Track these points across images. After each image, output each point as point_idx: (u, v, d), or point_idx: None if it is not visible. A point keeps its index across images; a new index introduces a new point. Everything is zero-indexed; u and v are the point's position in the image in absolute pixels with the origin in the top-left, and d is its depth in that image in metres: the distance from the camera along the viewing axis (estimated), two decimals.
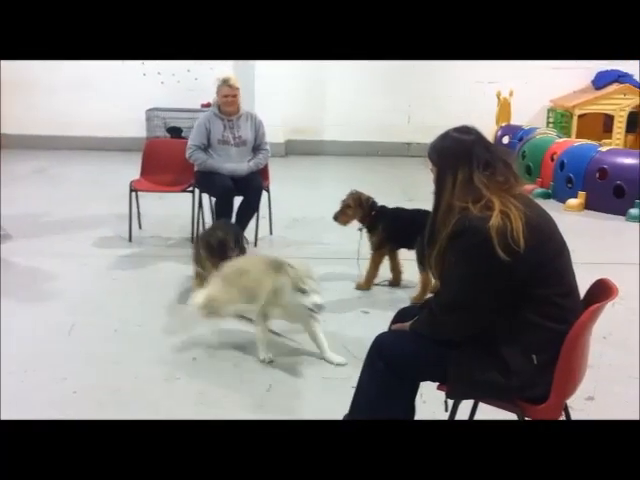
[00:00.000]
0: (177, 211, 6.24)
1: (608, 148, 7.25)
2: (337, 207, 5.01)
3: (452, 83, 10.18)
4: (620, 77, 9.38)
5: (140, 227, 5.97)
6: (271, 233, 5.93)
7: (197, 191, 5.62)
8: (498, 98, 9.48)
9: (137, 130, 10.10)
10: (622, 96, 9.11)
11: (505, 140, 9.24)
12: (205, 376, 3.43)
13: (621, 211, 6.66)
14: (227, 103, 5.35)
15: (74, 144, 10.02)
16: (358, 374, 2.50)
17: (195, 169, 5.54)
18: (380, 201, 5.07)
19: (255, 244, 5.61)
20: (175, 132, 9.90)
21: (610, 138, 9.15)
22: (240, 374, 3.46)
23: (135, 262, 5.21)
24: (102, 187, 7.66)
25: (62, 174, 8.50)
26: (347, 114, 10.43)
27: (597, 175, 6.90)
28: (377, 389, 2.38)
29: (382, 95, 10.33)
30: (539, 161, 7.76)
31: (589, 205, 6.95)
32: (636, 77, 9.59)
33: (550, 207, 6.82)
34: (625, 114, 9.13)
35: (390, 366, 2.34)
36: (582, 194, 7.00)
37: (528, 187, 7.69)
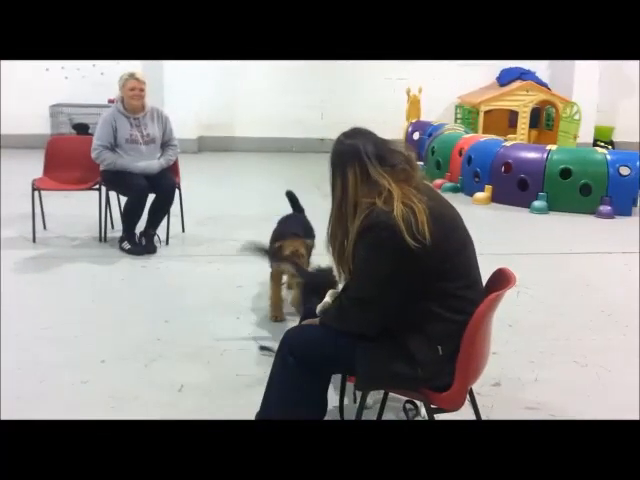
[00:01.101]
0: (82, 210, 6.06)
1: (512, 143, 7.51)
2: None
3: (363, 79, 10.32)
4: (522, 74, 9.76)
5: (45, 227, 5.76)
6: (183, 231, 5.84)
7: (104, 189, 5.47)
8: (408, 95, 9.67)
9: (41, 127, 9.75)
10: (525, 92, 9.47)
11: (415, 136, 9.45)
12: (115, 378, 3.33)
13: (525, 203, 6.91)
14: (134, 97, 5.21)
15: None
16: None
17: (101, 168, 5.37)
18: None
19: (167, 242, 5.50)
20: (81, 129, 9.61)
21: (515, 133, 9.51)
22: (150, 374, 3.38)
23: (41, 264, 5.01)
24: (3, 186, 7.33)
25: None
26: (260, 110, 10.40)
27: (502, 169, 7.13)
28: (289, 385, 2.38)
29: (295, 91, 10.35)
30: (448, 156, 7.96)
31: (495, 198, 7.18)
32: (537, 74, 10.00)
33: (459, 201, 7.22)
34: (528, 110, 9.49)
35: (301, 361, 2.34)
36: (489, 187, 7.22)
37: (438, 181, 7.90)
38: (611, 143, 10.26)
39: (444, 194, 7.78)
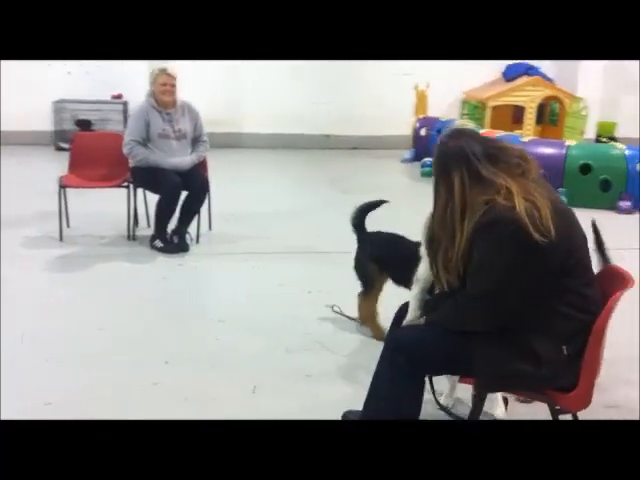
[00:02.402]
0: (104, 208, 5.95)
1: (530, 138, 7.53)
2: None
3: (369, 75, 10.23)
4: (529, 70, 9.77)
5: (68, 225, 5.65)
6: (210, 228, 5.76)
7: (131, 186, 5.38)
8: (416, 90, 9.65)
9: (43, 123, 9.58)
10: (532, 88, 9.50)
11: (423, 132, 9.43)
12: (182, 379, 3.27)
13: None
14: (165, 92, 5.13)
15: None
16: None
17: (131, 164, 5.29)
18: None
19: (197, 240, 5.43)
20: (84, 125, 9.46)
21: (519, 129, 9.54)
22: (219, 375, 3.32)
23: (74, 263, 4.91)
24: (14, 184, 7.19)
25: None
26: (266, 106, 10.30)
27: None
28: (398, 385, 2.35)
29: (301, 87, 10.28)
30: None
31: None
32: (542, 69, 10.03)
33: None
34: (535, 105, 9.53)
35: (412, 361, 2.31)
36: None
37: None
38: (613, 139, 10.33)
39: None
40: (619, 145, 7.01)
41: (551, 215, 2.13)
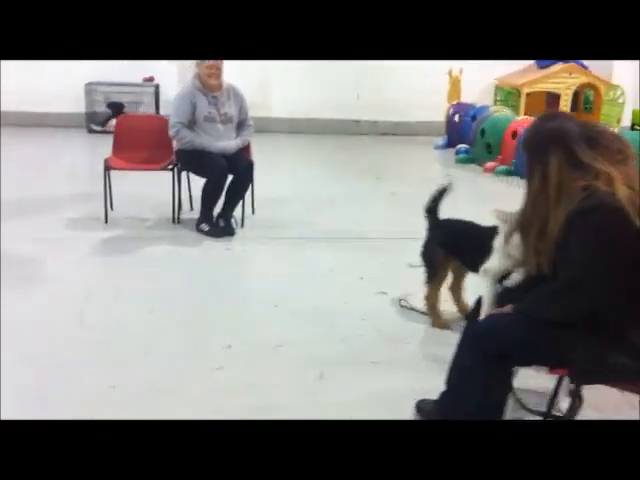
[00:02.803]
0: (145, 190, 5.93)
1: None
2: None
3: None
4: None
5: (112, 208, 5.63)
6: (253, 212, 5.73)
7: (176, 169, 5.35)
8: (450, 76, 9.54)
9: (74, 105, 9.56)
10: (568, 75, 9.38)
11: (457, 118, 9.34)
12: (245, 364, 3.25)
13: None
14: (211, 75, 5.09)
15: (5, 120, 9.36)
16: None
17: (177, 147, 5.26)
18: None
19: (242, 224, 5.40)
20: (116, 108, 9.44)
21: None
22: (282, 361, 3.30)
23: (121, 245, 4.91)
24: (52, 165, 7.20)
25: None
26: (294, 91, 10.24)
27: None
28: (486, 374, 2.31)
29: (330, 72, 10.18)
30: (499, 139, 7.87)
31: None
32: None
33: (514, 184, 7.12)
34: (571, 92, 9.42)
35: (503, 351, 2.27)
36: None
37: (489, 164, 7.82)
38: None
39: (497, 177, 7.71)
40: None
41: None
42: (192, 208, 5.59)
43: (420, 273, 4.47)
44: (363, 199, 6.54)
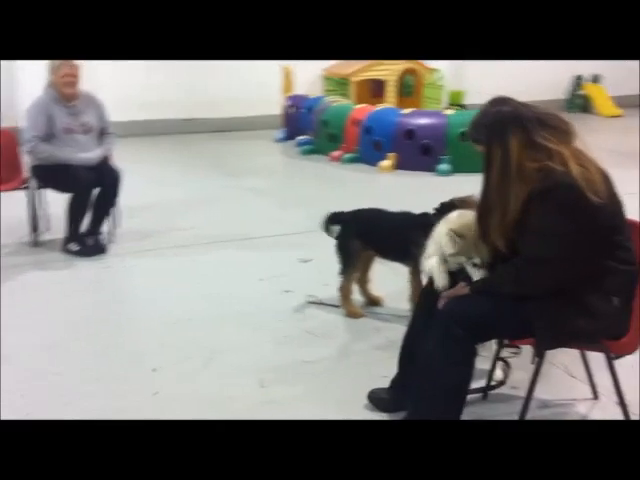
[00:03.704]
0: None
1: (410, 111, 7.82)
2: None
3: None
4: None
5: None
6: (117, 226, 5.39)
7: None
8: (282, 68, 9.62)
9: None
10: (392, 62, 9.83)
11: (293, 110, 9.46)
12: (181, 383, 3.10)
13: (429, 167, 7.25)
14: (68, 84, 4.73)
15: None
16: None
17: (33, 163, 4.84)
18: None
19: (112, 239, 5.09)
20: None
21: (379, 102, 9.83)
22: (218, 373, 3.19)
23: None
24: None
25: None
26: (121, 92, 9.79)
27: (404, 136, 7.42)
28: (455, 357, 2.40)
29: (158, 69, 9.86)
30: (341, 127, 8.09)
31: (400, 165, 7.46)
32: None
33: (362, 170, 7.43)
34: (395, 79, 9.90)
35: (471, 331, 2.37)
36: (392, 155, 7.48)
37: (335, 153, 8.03)
38: (463, 106, 10.99)
39: (345, 165, 7.93)
40: None
41: (600, 178, 2.27)
42: (49, 228, 5.16)
43: (314, 267, 4.55)
44: (227, 198, 6.46)
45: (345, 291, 3.75)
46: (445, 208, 3.03)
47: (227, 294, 4.12)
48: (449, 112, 7.54)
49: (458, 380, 2.45)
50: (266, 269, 4.49)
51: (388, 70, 9.80)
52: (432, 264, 2.69)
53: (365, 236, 3.66)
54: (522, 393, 2.92)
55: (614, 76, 11.59)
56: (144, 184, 6.96)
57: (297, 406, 2.90)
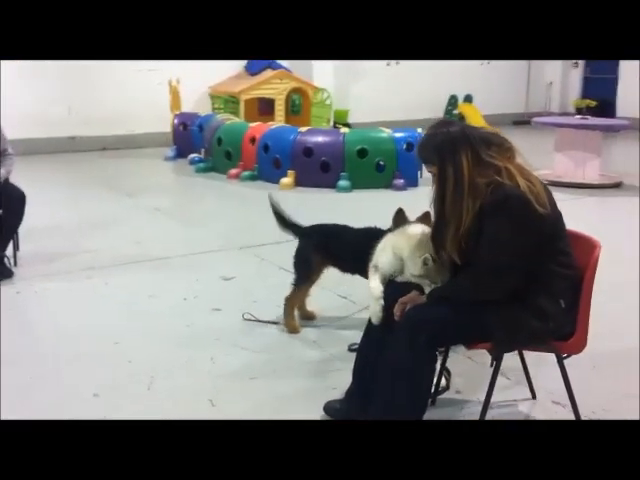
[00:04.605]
0: None
1: (307, 129, 7.96)
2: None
3: (111, 71, 9.75)
4: (272, 63, 10.23)
5: None
6: (18, 248, 5.12)
7: None
8: (170, 86, 9.51)
9: None
10: (279, 81, 10.01)
11: (182, 128, 9.37)
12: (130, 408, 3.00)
13: (329, 184, 7.41)
14: None
15: None
16: None
17: None
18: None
19: (15, 262, 4.83)
20: None
21: (269, 120, 9.96)
22: (163, 396, 3.12)
23: None
24: None
25: None
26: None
27: (303, 154, 7.55)
28: (419, 363, 2.50)
29: (37, 86, 9.44)
30: (238, 145, 8.10)
31: (299, 182, 7.57)
32: (282, 63, 10.55)
33: (263, 187, 7.47)
34: (284, 97, 10.05)
35: (432, 337, 2.48)
36: (292, 173, 7.58)
37: (233, 171, 8.04)
38: (348, 125, 11.32)
39: (244, 182, 7.97)
40: (386, 129, 7.76)
41: (544, 190, 2.46)
42: None
43: (238, 285, 4.54)
44: (129, 218, 6.31)
45: (292, 302, 3.76)
46: (397, 219, 3.15)
47: (154, 314, 4.03)
48: (344, 130, 7.75)
49: (422, 384, 2.55)
50: (187, 289, 4.43)
51: (276, 89, 9.97)
52: (373, 285, 2.80)
53: (325, 250, 3.70)
54: (466, 397, 3.11)
55: (483, 96, 12.40)
56: (35, 206, 6.62)
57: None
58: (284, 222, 3.83)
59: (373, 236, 3.30)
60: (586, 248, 2.60)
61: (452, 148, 2.47)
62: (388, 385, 2.57)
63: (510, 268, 2.44)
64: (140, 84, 10.00)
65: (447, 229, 2.50)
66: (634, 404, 2.97)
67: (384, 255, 2.85)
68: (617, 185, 7.55)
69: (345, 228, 3.77)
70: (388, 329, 2.66)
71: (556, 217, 2.53)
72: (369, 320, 2.85)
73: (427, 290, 2.64)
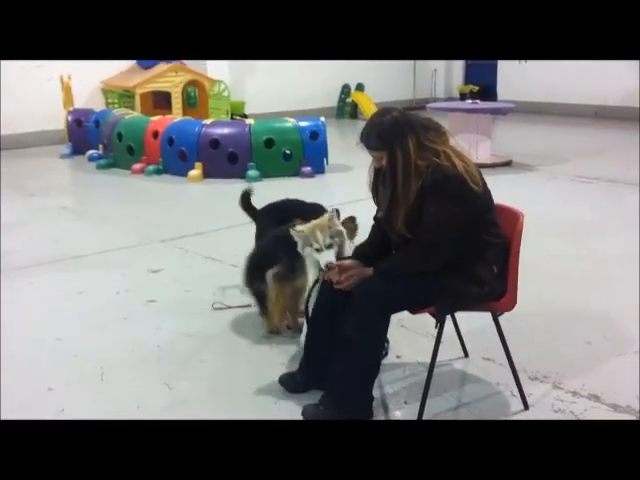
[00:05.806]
0: None
1: (212, 121, 7.99)
2: None
3: None
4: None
5: None
6: None
7: None
8: (62, 82, 9.24)
9: None
10: (175, 74, 9.96)
11: (77, 125, 9.14)
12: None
13: (238, 174, 7.47)
14: None
15: None
16: None
17: None
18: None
19: None
20: None
21: (165, 113, 9.88)
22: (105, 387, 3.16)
23: None
24: None
25: None
26: None
27: (210, 146, 7.59)
28: (375, 331, 2.73)
29: None
30: (140, 140, 8.02)
31: (208, 174, 7.60)
32: None
33: (170, 181, 7.47)
34: (180, 90, 10.01)
35: (382, 307, 2.70)
36: (199, 165, 7.61)
37: (137, 166, 7.97)
38: (245, 116, 11.39)
39: (150, 177, 7.95)
40: (291, 119, 7.92)
41: (477, 169, 2.72)
42: None
43: (166, 276, 4.60)
44: (41, 218, 6.17)
45: (278, 301, 3.63)
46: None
47: (89, 309, 4.03)
48: (250, 121, 7.85)
49: (376, 350, 2.78)
50: (117, 283, 4.44)
51: (171, 82, 9.92)
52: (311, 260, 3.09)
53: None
54: (406, 360, 3.36)
55: (374, 84, 12.80)
56: None
57: (210, 404, 3.00)
58: (248, 205, 4.05)
59: (319, 208, 3.49)
60: (510, 218, 2.88)
61: (400, 133, 2.68)
62: (343, 356, 2.76)
63: (449, 241, 2.68)
64: (27, 82, 9.64)
65: (398, 210, 2.71)
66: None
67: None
68: (508, 163, 8.07)
69: (296, 200, 3.99)
70: (336, 301, 2.85)
71: (487, 193, 2.80)
72: (319, 293, 3.02)
73: (315, 255, 2.96)
